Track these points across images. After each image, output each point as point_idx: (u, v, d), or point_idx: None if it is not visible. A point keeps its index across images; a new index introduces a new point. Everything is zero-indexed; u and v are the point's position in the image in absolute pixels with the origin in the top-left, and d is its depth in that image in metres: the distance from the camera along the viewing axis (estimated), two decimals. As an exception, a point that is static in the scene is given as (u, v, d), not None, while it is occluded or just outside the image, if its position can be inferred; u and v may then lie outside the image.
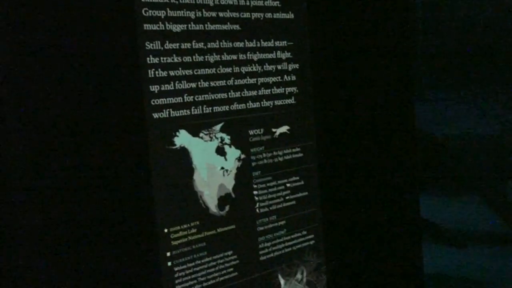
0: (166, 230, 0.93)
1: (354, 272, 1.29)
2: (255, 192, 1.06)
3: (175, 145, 0.94)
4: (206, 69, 0.98)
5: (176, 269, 0.94)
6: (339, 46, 1.23)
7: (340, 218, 1.24)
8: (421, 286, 1.45)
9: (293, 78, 1.13)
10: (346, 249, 1.26)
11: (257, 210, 1.07)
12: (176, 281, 0.94)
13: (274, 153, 1.10)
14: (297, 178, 1.14)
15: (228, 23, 1.01)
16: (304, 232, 1.15)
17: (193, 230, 0.97)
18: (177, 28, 0.94)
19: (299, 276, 1.13)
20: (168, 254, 0.93)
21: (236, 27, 1.03)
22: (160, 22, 0.92)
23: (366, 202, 1.31)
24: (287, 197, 1.12)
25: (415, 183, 1.43)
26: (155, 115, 0.91)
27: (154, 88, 0.91)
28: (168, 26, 0.93)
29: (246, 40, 1.04)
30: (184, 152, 0.95)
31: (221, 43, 1.00)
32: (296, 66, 1.13)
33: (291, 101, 1.13)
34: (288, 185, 1.12)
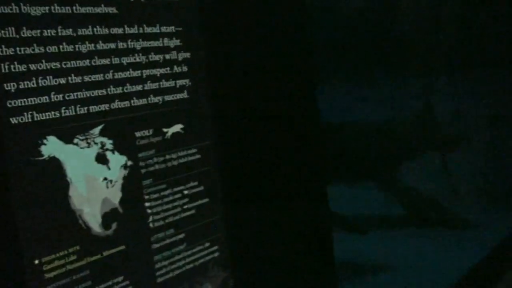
0: (36, 261, 0.75)
1: (264, 278, 1.18)
2: (147, 204, 0.91)
3: (42, 155, 0.76)
4: (78, 61, 0.81)
5: (52, 308, 0.76)
6: (236, 32, 1.10)
7: (246, 223, 1.12)
8: (335, 279, 1.39)
9: (185, 69, 0.98)
10: (254, 256, 1.15)
11: (151, 225, 0.91)
12: (54, 322, 0.77)
13: (167, 156, 0.95)
14: (196, 183, 1.00)
15: (102, 5, 0.84)
16: (207, 244, 1.02)
17: (73, 257, 0.80)
18: (37, 11, 0.76)
19: (203, 294, 1.00)
20: (41, 291, 0.75)
21: (113, 10, 0.86)
22: (13, 4, 0.74)
23: (273, 201, 1.20)
24: (185, 206, 0.98)
25: (323, 176, 1.35)
26: (13, 120, 0.73)
27: (10, 86, 0.73)
28: (24, 9, 0.75)
29: (126, 26, 0.88)
30: (54, 164, 0.78)
31: (95, 29, 0.83)
32: (188, 55, 0.99)
33: (183, 95, 0.98)
34: (185, 192, 0.98)
